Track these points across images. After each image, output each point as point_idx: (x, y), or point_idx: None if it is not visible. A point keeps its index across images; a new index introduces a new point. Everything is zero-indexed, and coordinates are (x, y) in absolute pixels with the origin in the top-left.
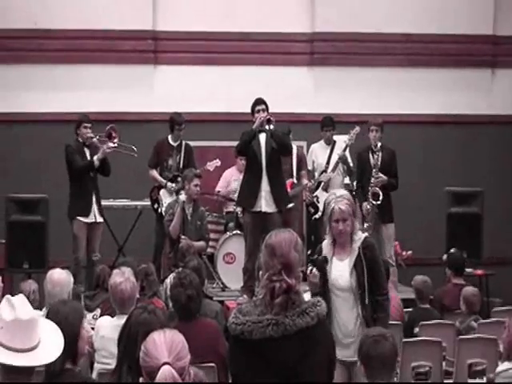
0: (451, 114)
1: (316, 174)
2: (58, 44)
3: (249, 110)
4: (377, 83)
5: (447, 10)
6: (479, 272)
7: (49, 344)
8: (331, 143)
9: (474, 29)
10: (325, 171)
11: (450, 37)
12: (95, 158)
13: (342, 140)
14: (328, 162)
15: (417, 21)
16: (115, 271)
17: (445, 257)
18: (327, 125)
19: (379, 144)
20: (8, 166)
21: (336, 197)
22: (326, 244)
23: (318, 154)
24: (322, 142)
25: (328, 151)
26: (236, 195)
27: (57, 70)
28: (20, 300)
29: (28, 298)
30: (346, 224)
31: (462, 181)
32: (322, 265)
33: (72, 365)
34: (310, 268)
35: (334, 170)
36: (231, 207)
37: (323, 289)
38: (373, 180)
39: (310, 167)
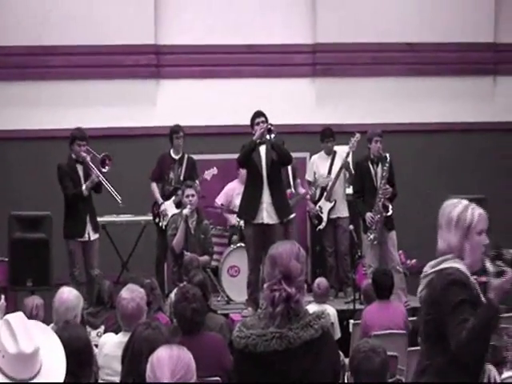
0: (453, 122)
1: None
2: (60, 60)
3: None
4: (379, 93)
5: (448, 18)
6: (483, 279)
7: (50, 372)
8: (331, 154)
9: (476, 37)
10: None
11: (452, 45)
12: (84, 187)
13: (342, 150)
14: (329, 172)
15: (418, 30)
16: (128, 286)
17: None
18: (328, 136)
19: (388, 155)
20: (11, 184)
21: (468, 203)
22: (462, 267)
23: (318, 164)
24: (322, 153)
25: (329, 162)
26: None
27: (59, 85)
28: (21, 326)
29: (31, 313)
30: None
31: (464, 188)
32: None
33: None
34: (497, 264)
35: (336, 179)
36: (235, 220)
37: None
38: (381, 192)
39: (311, 178)
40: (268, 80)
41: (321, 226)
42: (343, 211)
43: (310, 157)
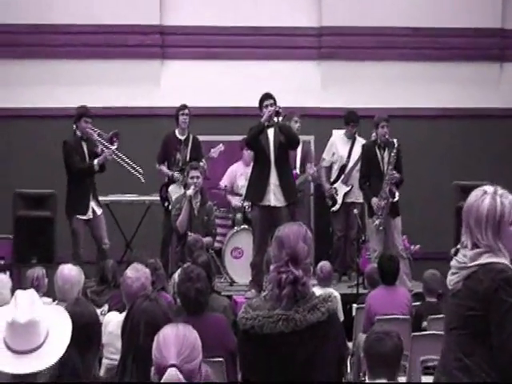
0: (459, 108)
1: (336, 166)
2: (64, 39)
3: (256, 105)
4: (385, 77)
5: (455, 3)
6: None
7: (51, 346)
8: (352, 138)
9: (482, 22)
10: (345, 165)
11: (458, 30)
12: (95, 162)
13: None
14: (349, 157)
15: (425, 15)
16: (133, 265)
17: (453, 251)
18: (354, 120)
19: (395, 140)
20: (16, 161)
21: (495, 191)
22: (509, 263)
23: (338, 146)
24: (342, 135)
25: (349, 145)
26: (243, 190)
27: (64, 64)
28: (26, 298)
29: (32, 284)
30: None
31: (470, 174)
32: None
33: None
34: None
35: (355, 164)
36: (237, 202)
37: None
38: (388, 177)
39: (330, 158)
40: (273, 62)
41: (334, 208)
42: (359, 197)
43: (315, 140)
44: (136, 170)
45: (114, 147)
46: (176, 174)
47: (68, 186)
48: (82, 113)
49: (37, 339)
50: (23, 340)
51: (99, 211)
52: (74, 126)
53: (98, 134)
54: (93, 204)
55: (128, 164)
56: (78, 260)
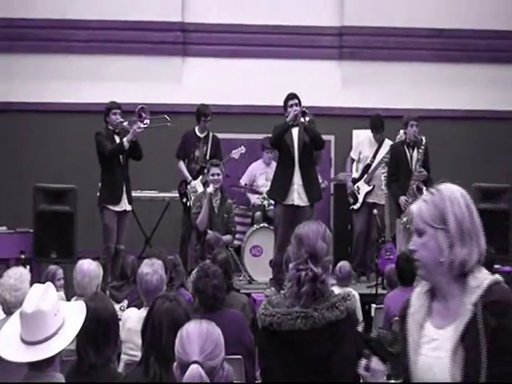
0: (481, 110)
1: (360, 166)
2: (86, 34)
3: (276, 103)
4: (405, 78)
5: (480, 5)
6: (507, 269)
7: (61, 340)
8: (380, 141)
9: (507, 24)
10: (369, 165)
11: (481, 32)
12: (125, 139)
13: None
14: (374, 157)
15: (449, 16)
16: (145, 261)
17: None
18: (377, 127)
19: (423, 138)
20: (37, 156)
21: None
22: (418, 292)
23: (365, 146)
24: (371, 136)
25: (376, 147)
26: (263, 189)
27: (85, 60)
28: (39, 290)
29: (45, 282)
30: (425, 242)
31: (492, 177)
32: (390, 347)
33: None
34: (363, 361)
35: (378, 165)
36: (257, 200)
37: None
38: (415, 175)
39: (355, 157)
40: (294, 61)
41: (355, 206)
42: (381, 198)
43: (335, 139)
44: (164, 119)
45: (145, 124)
46: (193, 182)
47: (101, 177)
48: (110, 107)
49: (45, 330)
50: (32, 330)
51: (128, 207)
52: (105, 123)
53: (129, 123)
54: (124, 197)
55: (154, 119)
56: (109, 255)
